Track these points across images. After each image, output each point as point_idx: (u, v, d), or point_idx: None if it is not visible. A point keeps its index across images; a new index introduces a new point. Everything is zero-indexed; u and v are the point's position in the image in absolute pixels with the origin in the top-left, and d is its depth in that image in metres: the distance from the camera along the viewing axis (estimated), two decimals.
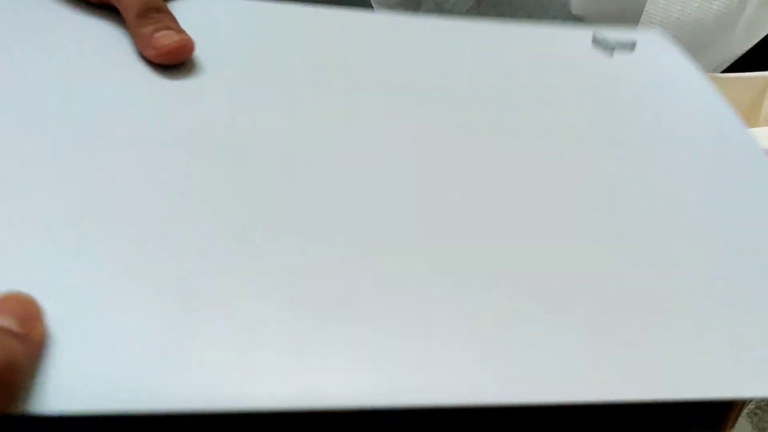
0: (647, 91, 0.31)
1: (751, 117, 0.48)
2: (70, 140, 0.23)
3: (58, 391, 0.16)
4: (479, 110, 0.28)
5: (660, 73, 0.33)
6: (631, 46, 0.33)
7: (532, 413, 0.20)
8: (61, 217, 0.20)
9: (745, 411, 0.42)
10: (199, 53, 0.28)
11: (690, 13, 0.43)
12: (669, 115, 0.29)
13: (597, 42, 0.33)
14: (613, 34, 0.34)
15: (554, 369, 0.19)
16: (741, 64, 0.49)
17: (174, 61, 0.28)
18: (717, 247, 0.24)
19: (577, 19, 0.55)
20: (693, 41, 0.45)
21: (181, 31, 0.28)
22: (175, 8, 0.30)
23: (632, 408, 0.19)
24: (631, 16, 0.52)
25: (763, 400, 0.41)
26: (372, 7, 0.60)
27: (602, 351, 0.19)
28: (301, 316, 0.19)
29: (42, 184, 0.21)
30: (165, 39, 0.27)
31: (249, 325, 0.18)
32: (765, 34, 0.48)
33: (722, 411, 0.24)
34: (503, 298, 0.20)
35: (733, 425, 0.24)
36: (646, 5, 0.41)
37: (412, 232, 0.22)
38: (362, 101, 0.28)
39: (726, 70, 0.49)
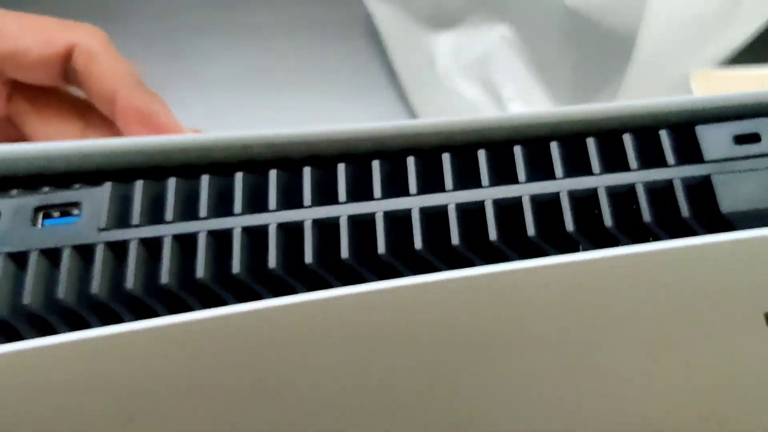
0: None
1: None
2: None
3: None
4: None
5: None
6: None
7: None
8: None
9: None
10: None
11: (692, 7, 0.41)
12: None
13: None
14: None
15: None
16: (740, 59, 0.47)
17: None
18: None
19: (572, 13, 0.53)
20: (695, 37, 0.43)
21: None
22: None
23: None
24: (629, 12, 0.50)
25: None
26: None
27: None
28: None
29: None
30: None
31: None
32: (760, 24, 0.46)
33: None
34: None
35: None
36: (649, 1, 0.39)
37: None
38: None
39: (724, 65, 0.47)
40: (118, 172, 0.20)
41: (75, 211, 0.19)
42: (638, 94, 0.43)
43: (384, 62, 0.58)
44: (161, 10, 0.59)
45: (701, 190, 0.19)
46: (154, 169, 0.20)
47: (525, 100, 0.57)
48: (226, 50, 0.58)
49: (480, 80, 0.58)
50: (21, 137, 0.27)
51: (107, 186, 0.19)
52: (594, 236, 0.19)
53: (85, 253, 0.19)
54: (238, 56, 0.58)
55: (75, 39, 0.24)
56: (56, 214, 0.19)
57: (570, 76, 0.56)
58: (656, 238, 0.19)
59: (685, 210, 0.19)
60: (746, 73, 0.46)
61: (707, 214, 0.19)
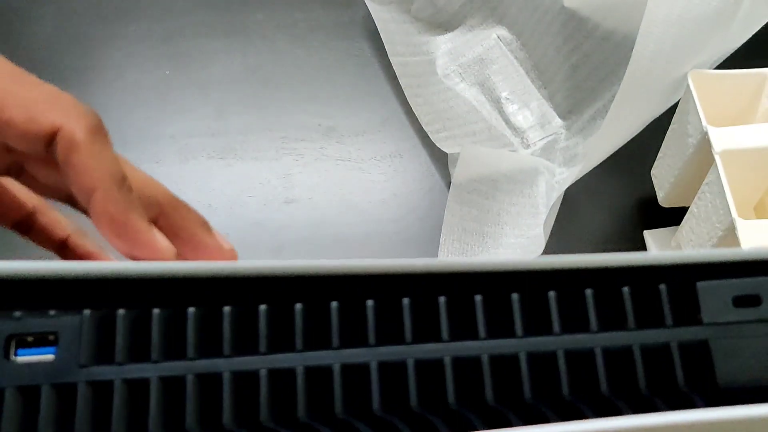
0: None
1: (748, 114, 0.47)
2: None
3: None
4: None
5: None
6: None
7: None
8: None
9: None
10: None
11: (692, 9, 0.41)
12: None
13: None
14: None
15: None
16: (738, 60, 0.47)
17: None
18: None
19: (570, 15, 0.53)
20: (693, 37, 0.43)
21: None
22: None
23: None
24: (628, 11, 0.50)
25: None
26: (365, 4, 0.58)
27: None
28: None
29: None
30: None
31: None
32: (758, 28, 0.46)
33: None
34: None
35: None
36: (649, 2, 0.39)
37: None
38: None
39: (722, 66, 0.47)
40: (96, 289, 0.18)
41: (51, 337, 0.18)
42: (637, 94, 0.43)
43: (384, 63, 0.58)
44: (164, 13, 0.59)
45: (698, 354, 0.18)
46: (134, 285, 0.18)
47: (523, 101, 0.57)
48: (228, 52, 0.58)
49: (478, 81, 0.58)
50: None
51: (86, 316, 0.18)
52: (591, 399, 0.18)
53: (64, 391, 0.17)
54: (241, 58, 0.58)
55: (60, 122, 0.21)
56: (30, 339, 0.18)
57: (568, 77, 0.56)
58: (652, 403, 0.18)
59: (680, 379, 0.18)
60: (744, 74, 0.46)
61: (703, 382, 0.18)
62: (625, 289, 0.19)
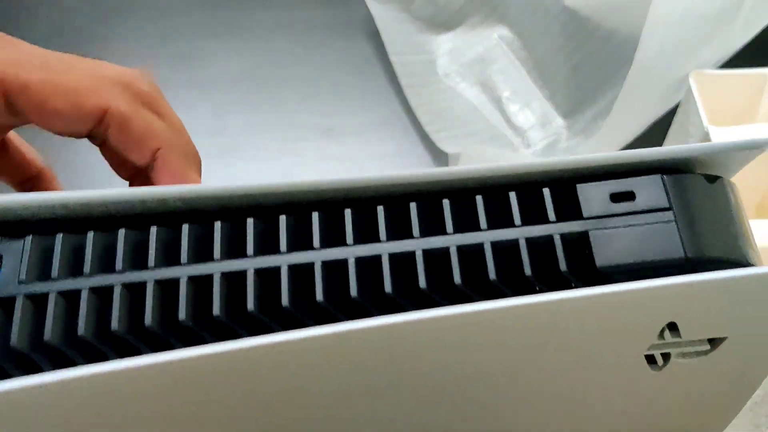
0: None
1: (749, 113, 0.46)
2: None
3: None
4: None
5: None
6: None
7: None
8: None
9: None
10: None
11: (695, 9, 0.41)
12: None
13: None
14: None
15: None
16: (740, 60, 0.47)
17: None
18: None
19: (572, 14, 0.53)
20: (696, 37, 0.43)
21: None
22: None
23: None
24: (629, 11, 0.50)
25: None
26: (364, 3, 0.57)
27: None
28: None
29: None
30: None
31: None
32: (762, 27, 0.46)
33: None
34: None
35: None
36: (653, 2, 0.39)
37: None
38: None
39: (723, 66, 0.47)
40: (42, 223, 0.20)
41: None
42: (639, 94, 0.42)
43: (384, 63, 0.57)
44: (161, 13, 0.59)
45: (579, 245, 0.20)
46: (77, 220, 0.20)
47: (524, 101, 0.57)
48: (227, 51, 0.57)
49: (479, 81, 0.58)
50: None
51: (27, 239, 0.20)
52: (482, 287, 0.20)
53: (5, 304, 0.19)
54: (239, 57, 0.57)
55: (105, 103, 0.23)
56: None
57: (570, 77, 0.55)
58: (538, 290, 0.20)
59: (563, 265, 0.20)
60: (745, 74, 0.45)
61: (584, 268, 0.20)
62: (512, 193, 0.21)
